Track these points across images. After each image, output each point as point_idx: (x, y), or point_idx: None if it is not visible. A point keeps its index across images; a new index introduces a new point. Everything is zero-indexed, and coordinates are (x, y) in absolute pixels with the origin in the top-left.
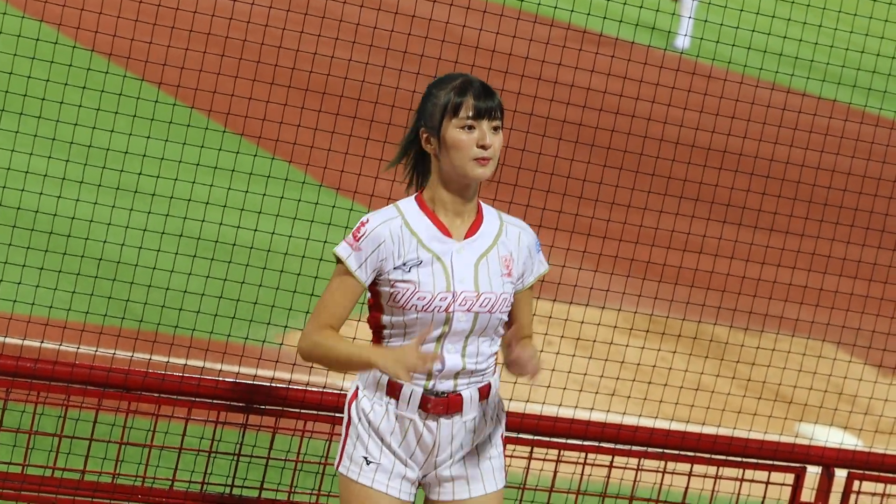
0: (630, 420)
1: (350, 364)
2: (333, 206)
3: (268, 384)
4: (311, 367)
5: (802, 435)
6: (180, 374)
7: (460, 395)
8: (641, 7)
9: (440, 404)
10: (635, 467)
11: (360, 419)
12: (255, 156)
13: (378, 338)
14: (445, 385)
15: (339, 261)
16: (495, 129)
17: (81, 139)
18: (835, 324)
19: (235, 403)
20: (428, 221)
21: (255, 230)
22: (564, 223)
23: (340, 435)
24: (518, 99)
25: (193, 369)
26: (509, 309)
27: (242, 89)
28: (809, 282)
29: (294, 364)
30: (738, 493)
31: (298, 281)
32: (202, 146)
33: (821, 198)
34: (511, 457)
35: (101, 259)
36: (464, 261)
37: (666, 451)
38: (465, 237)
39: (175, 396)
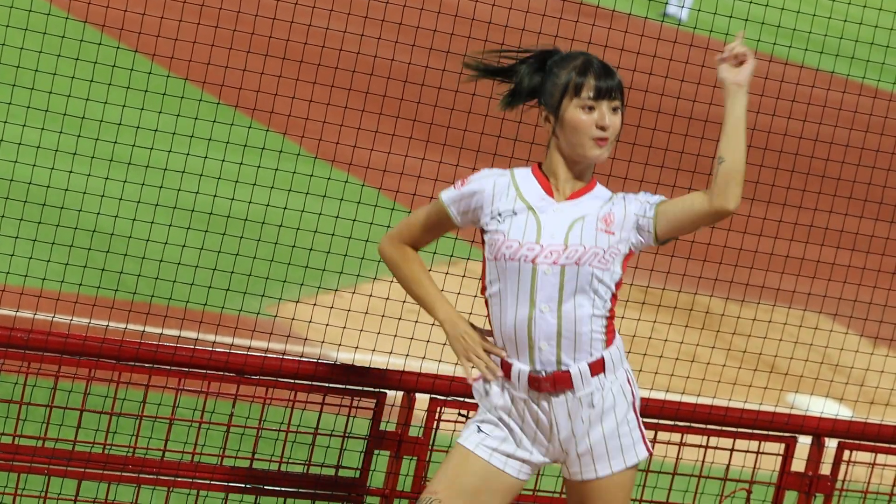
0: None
1: (422, 306)
2: (328, 178)
3: (261, 355)
4: (305, 338)
5: (797, 407)
6: (174, 346)
7: (568, 371)
8: None
9: (547, 381)
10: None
11: (480, 400)
12: (250, 128)
13: (483, 287)
14: (547, 355)
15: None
16: (615, 109)
17: (75, 111)
18: (831, 296)
19: (228, 374)
20: (535, 181)
21: (250, 202)
22: None
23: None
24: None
25: (187, 341)
26: (606, 267)
27: (237, 61)
28: (806, 254)
29: (288, 336)
30: (730, 464)
31: (293, 253)
32: (196, 118)
33: (818, 169)
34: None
35: (94, 231)
36: (559, 219)
37: (661, 421)
38: (568, 199)
39: (168, 367)
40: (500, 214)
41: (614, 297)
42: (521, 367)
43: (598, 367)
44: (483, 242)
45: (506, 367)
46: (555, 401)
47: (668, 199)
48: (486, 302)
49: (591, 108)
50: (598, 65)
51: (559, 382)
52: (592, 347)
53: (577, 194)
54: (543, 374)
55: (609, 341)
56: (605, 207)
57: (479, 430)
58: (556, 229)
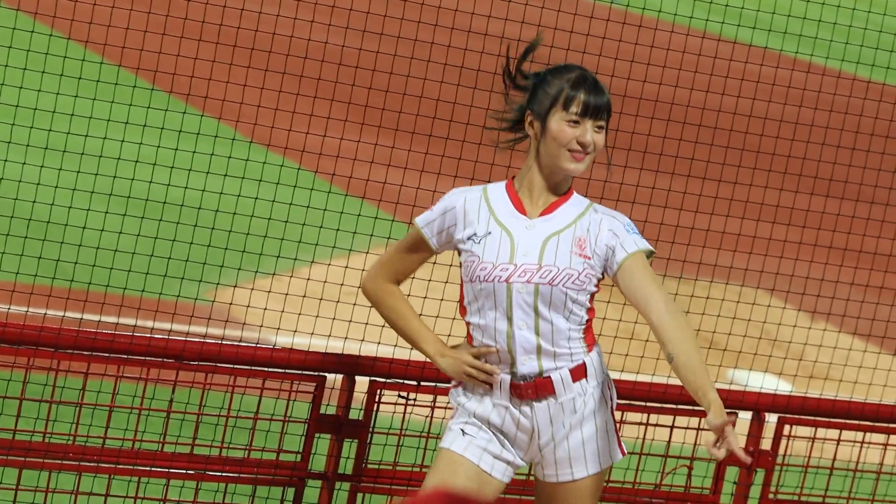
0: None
1: (408, 341)
2: (264, 163)
3: (200, 341)
4: (244, 323)
5: (736, 382)
6: (112, 333)
7: (549, 377)
8: None
9: (529, 388)
10: None
11: (466, 401)
12: (185, 113)
13: (462, 310)
14: (528, 367)
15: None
16: (599, 128)
17: (8, 99)
18: (768, 271)
19: (167, 360)
20: (507, 199)
21: (186, 187)
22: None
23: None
24: (448, 52)
25: (126, 328)
26: (581, 288)
27: (170, 46)
28: (742, 229)
29: (226, 321)
30: (670, 441)
31: (230, 238)
32: (130, 104)
33: (752, 144)
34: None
35: (30, 219)
36: (533, 236)
37: None
38: (540, 215)
39: (107, 355)
40: (474, 235)
41: (590, 309)
42: (502, 376)
43: (579, 373)
44: (460, 265)
45: None
46: (537, 406)
47: (639, 258)
48: (467, 323)
49: (576, 123)
50: (591, 81)
51: (541, 389)
52: (573, 355)
53: (552, 208)
54: (525, 381)
55: (589, 347)
56: (581, 225)
57: (464, 433)
58: (530, 247)
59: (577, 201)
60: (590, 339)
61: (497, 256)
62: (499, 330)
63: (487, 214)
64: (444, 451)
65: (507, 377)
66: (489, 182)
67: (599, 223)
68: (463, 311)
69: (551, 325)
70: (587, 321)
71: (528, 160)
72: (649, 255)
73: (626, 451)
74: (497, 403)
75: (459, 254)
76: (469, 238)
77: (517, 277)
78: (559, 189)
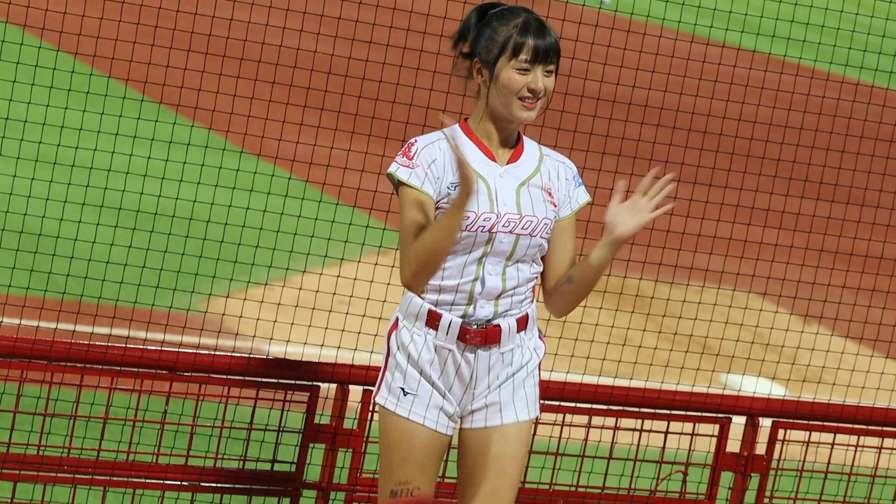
0: (557, 376)
1: (448, 225)
2: (255, 172)
3: (193, 351)
4: (237, 333)
5: (730, 386)
6: (105, 344)
7: (498, 325)
8: None
9: (479, 335)
10: (563, 423)
11: (398, 349)
12: (175, 123)
13: None
14: (485, 311)
15: (399, 184)
16: (549, 72)
17: None
18: (759, 275)
19: (161, 371)
20: (473, 145)
21: (177, 198)
22: None
23: (381, 365)
24: (437, 59)
25: (119, 339)
26: (549, 236)
27: (159, 57)
28: (734, 234)
29: (219, 332)
30: (665, 447)
31: (221, 248)
32: (121, 115)
33: (743, 149)
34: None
35: (22, 231)
36: (506, 185)
37: (594, 406)
38: (508, 163)
39: (100, 366)
40: (451, 184)
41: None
42: (452, 318)
43: (522, 324)
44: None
45: (435, 317)
46: (480, 353)
47: (574, 217)
48: None
49: (525, 71)
50: (536, 25)
51: (490, 337)
52: (522, 304)
53: (515, 156)
54: (475, 326)
55: (532, 299)
56: (544, 172)
57: (405, 392)
58: (507, 196)
59: (530, 145)
60: (533, 292)
61: (478, 205)
62: (466, 273)
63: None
64: (395, 418)
65: (459, 320)
66: (441, 128)
67: (558, 170)
68: None
69: (517, 272)
70: (539, 272)
71: (479, 107)
72: (587, 203)
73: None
74: (441, 346)
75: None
76: (448, 185)
77: (501, 227)
78: (513, 133)
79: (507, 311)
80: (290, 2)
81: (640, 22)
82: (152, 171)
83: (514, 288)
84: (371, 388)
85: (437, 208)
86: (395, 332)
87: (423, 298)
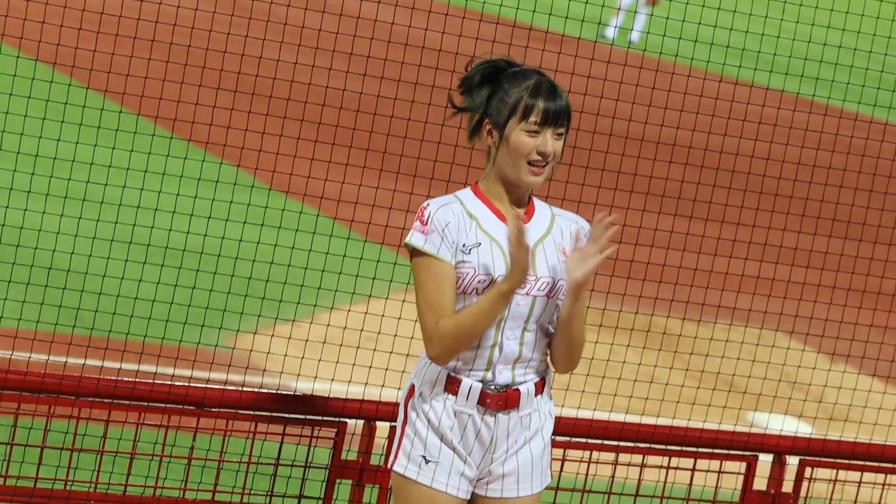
0: (584, 414)
1: (490, 310)
2: (283, 210)
3: (221, 387)
4: (264, 369)
5: (756, 424)
6: (133, 380)
7: (518, 389)
8: (587, 3)
9: (499, 399)
10: (589, 460)
11: (418, 416)
12: (203, 161)
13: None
14: (504, 377)
15: (416, 253)
16: (559, 135)
17: (28, 149)
18: (787, 313)
19: (188, 407)
20: (485, 207)
21: (205, 235)
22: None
23: (396, 433)
24: None
25: (146, 375)
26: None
27: (189, 95)
28: (761, 272)
29: (246, 368)
30: (692, 484)
31: (249, 284)
32: (150, 153)
33: (770, 187)
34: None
35: (50, 268)
36: None
37: (620, 443)
38: (525, 221)
39: (128, 402)
40: (464, 247)
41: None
42: (472, 382)
43: (539, 388)
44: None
45: (454, 382)
46: (500, 417)
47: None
48: None
49: (535, 133)
50: (548, 88)
51: (510, 401)
52: (538, 368)
53: (527, 217)
54: (495, 390)
55: (548, 363)
56: (556, 231)
57: (426, 460)
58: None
59: (541, 206)
60: (547, 356)
61: (493, 268)
62: (485, 338)
63: (473, 224)
64: (415, 486)
65: (479, 385)
66: (454, 192)
67: (569, 228)
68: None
69: (535, 336)
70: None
71: (489, 168)
72: None
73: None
74: (460, 411)
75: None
76: (461, 250)
77: (518, 290)
78: (524, 196)
79: (524, 375)
80: (319, 40)
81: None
82: (181, 209)
83: (533, 352)
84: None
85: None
86: (412, 400)
87: (438, 364)
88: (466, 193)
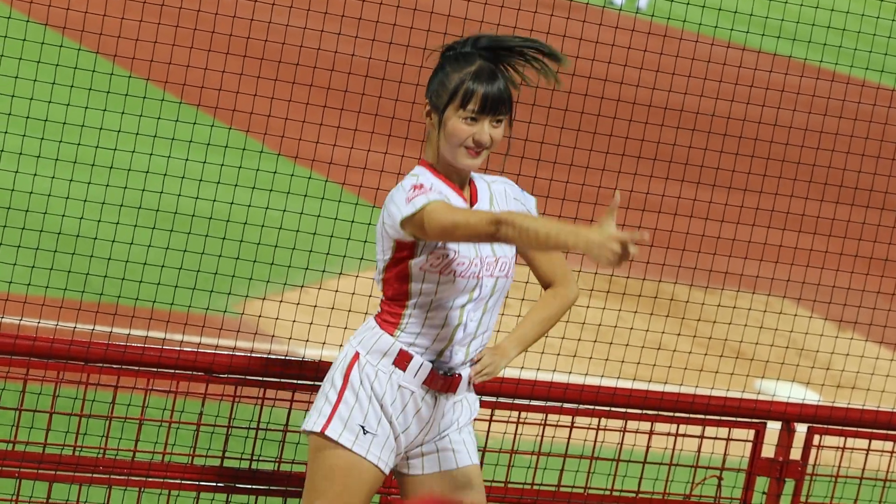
0: (592, 381)
1: (548, 241)
2: (291, 175)
3: (229, 353)
4: (273, 335)
5: (764, 392)
6: (141, 346)
7: (460, 376)
8: None
9: (444, 382)
10: (597, 427)
11: (361, 384)
12: (213, 126)
13: (397, 305)
14: (458, 358)
15: (423, 209)
16: (498, 121)
17: (37, 113)
18: (794, 280)
19: (197, 373)
20: (447, 187)
21: (214, 200)
22: (522, 186)
23: (327, 396)
24: None
25: (155, 341)
26: (513, 274)
27: (198, 60)
28: (768, 239)
29: (255, 334)
30: (700, 451)
31: (258, 250)
32: (158, 118)
33: (778, 154)
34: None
35: (59, 233)
36: None
37: (628, 410)
38: (472, 204)
39: (137, 368)
40: None
41: None
42: (423, 361)
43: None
44: (407, 257)
45: (405, 357)
46: (439, 398)
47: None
48: (404, 304)
49: (473, 120)
50: (488, 74)
51: (452, 385)
52: (481, 349)
53: (475, 198)
54: (442, 373)
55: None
56: (496, 204)
57: (365, 431)
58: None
59: (478, 180)
60: None
61: (470, 250)
62: (451, 319)
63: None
64: (347, 453)
65: (429, 365)
66: (410, 171)
67: (505, 192)
68: (403, 295)
69: (491, 316)
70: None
71: (431, 148)
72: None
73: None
74: (404, 387)
75: (417, 247)
76: None
77: (484, 272)
78: (467, 175)
79: (469, 359)
80: (327, 5)
81: (676, 28)
82: (190, 174)
83: (485, 334)
84: None
85: (430, 249)
86: (356, 366)
87: (395, 338)
88: (425, 172)
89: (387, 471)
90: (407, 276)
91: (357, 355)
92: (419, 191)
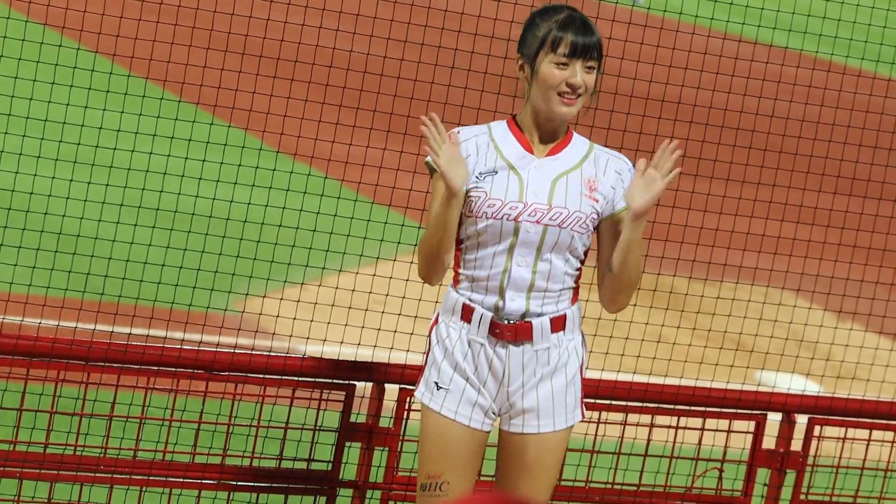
0: (592, 374)
1: (437, 218)
2: (291, 172)
3: (230, 351)
4: (273, 333)
5: (764, 383)
6: (142, 345)
7: (530, 323)
8: None
9: (509, 330)
10: (598, 421)
11: (437, 343)
12: (212, 124)
13: (457, 259)
14: (516, 304)
15: (432, 172)
16: (589, 68)
17: (37, 113)
18: (793, 271)
19: (197, 371)
20: (513, 138)
21: (214, 199)
22: None
23: (423, 363)
24: (472, 58)
25: (156, 340)
26: (587, 230)
27: (196, 58)
28: (767, 230)
29: (256, 332)
30: (700, 443)
31: (258, 248)
32: (158, 116)
33: (776, 145)
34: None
35: (60, 233)
36: (541, 175)
37: (629, 403)
38: (547, 155)
39: (137, 367)
40: (481, 174)
41: (586, 255)
42: (484, 311)
43: (559, 324)
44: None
45: (468, 310)
46: (512, 349)
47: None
48: (459, 254)
49: (564, 65)
50: (579, 21)
51: (520, 333)
52: (558, 304)
53: (556, 149)
54: (506, 321)
55: (573, 300)
56: (588, 167)
57: (438, 387)
58: (540, 187)
59: (579, 141)
60: (575, 293)
61: (506, 194)
62: (496, 263)
63: (494, 153)
64: (429, 413)
65: (490, 314)
66: (491, 122)
67: (606, 163)
68: (459, 241)
69: (550, 266)
70: (579, 270)
71: (526, 104)
72: None
73: (585, 415)
74: (473, 340)
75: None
76: (478, 175)
77: (527, 217)
78: (559, 130)
79: (540, 307)
80: (325, 2)
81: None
82: (189, 172)
83: (547, 283)
84: (407, 386)
85: (466, 194)
86: (435, 328)
87: (458, 292)
88: (500, 124)
89: (476, 426)
90: (460, 223)
91: (437, 317)
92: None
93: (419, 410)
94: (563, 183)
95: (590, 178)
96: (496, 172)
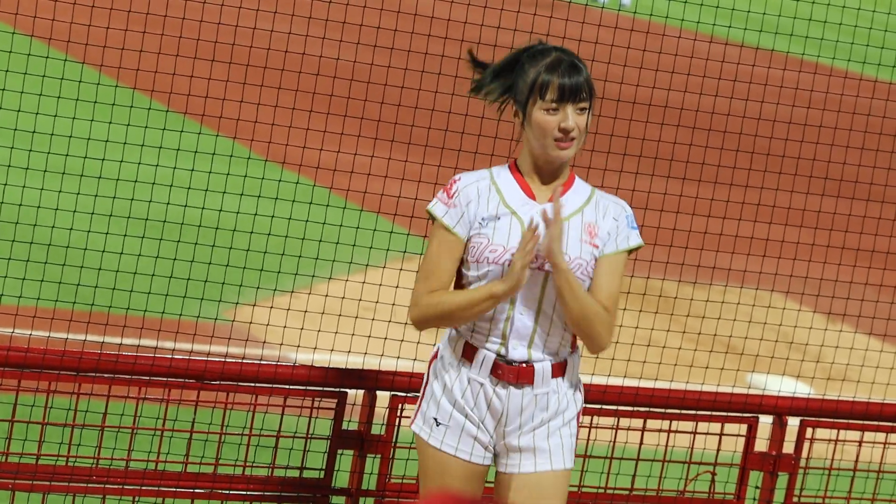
0: (583, 378)
1: (473, 305)
2: (279, 181)
3: (221, 360)
4: (264, 341)
5: (755, 386)
6: (133, 355)
7: (532, 366)
8: None
9: (511, 372)
10: (590, 426)
11: (436, 379)
12: (199, 133)
13: (460, 287)
14: (518, 353)
15: (433, 219)
16: (581, 109)
17: (25, 125)
18: (782, 273)
19: (189, 381)
20: (515, 183)
21: (203, 208)
22: None
23: (420, 394)
24: (458, 64)
25: (147, 349)
26: (588, 276)
27: (184, 67)
28: (755, 233)
29: (246, 340)
30: (692, 447)
31: (247, 256)
32: (146, 126)
33: (763, 148)
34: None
35: (49, 244)
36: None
37: (619, 407)
38: (548, 201)
39: (128, 377)
40: (483, 220)
41: None
42: (486, 353)
43: (559, 370)
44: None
45: (470, 350)
46: (513, 391)
47: (620, 258)
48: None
49: (555, 110)
50: (566, 64)
51: (523, 376)
52: (560, 350)
53: (562, 190)
54: (509, 364)
55: (573, 347)
56: (589, 212)
57: (437, 423)
58: (541, 233)
59: (580, 187)
60: (575, 340)
61: (508, 240)
62: (498, 311)
63: (497, 198)
64: (427, 447)
65: (493, 356)
66: (492, 166)
67: (606, 210)
68: (459, 288)
69: (552, 314)
70: None
71: (524, 149)
72: (637, 248)
73: (573, 465)
74: (473, 379)
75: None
76: (478, 222)
77: (515, 288)
78: (560, 174)
79: (541, 353)
80: (311, 10)
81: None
82: (178, 182)
83: (549, 330)
84: (398, 393)
85: (468, 240)
86: (434, 362)
87: (459, 332)
88: (502, 169)
89: (477, 460)
90: (463, 265)
91: (437, 352)
92: (444, 195)
93: (410, 417)
94: (564, 229)
95: (590, 224)
96: (498, 218)
